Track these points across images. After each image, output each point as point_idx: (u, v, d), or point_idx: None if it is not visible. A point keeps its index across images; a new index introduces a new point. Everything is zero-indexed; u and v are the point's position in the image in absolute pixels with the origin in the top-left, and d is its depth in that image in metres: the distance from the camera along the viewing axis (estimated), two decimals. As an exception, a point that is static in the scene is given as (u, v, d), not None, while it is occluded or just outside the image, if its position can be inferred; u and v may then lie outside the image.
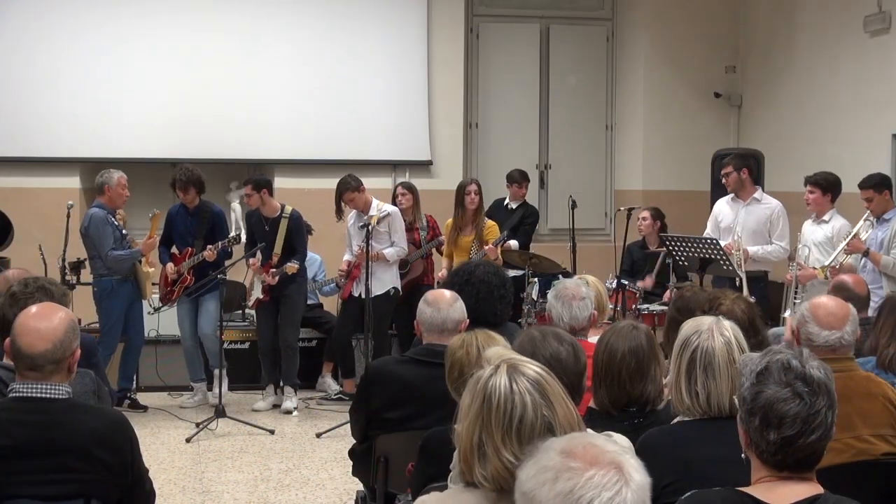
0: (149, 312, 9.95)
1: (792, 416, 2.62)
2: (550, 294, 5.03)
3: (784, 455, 2.63)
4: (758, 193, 9.37)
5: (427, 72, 12.48)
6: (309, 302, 10.54)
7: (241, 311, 10.82)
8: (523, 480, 2.01)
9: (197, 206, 9.81)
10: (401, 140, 12.40)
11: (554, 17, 13.17)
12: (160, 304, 9.85)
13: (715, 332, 3.51)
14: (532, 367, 2.66)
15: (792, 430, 2.62)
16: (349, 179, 9.68)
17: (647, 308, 9.49)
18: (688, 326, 3.58)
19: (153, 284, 9.91)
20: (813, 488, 2.66)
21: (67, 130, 11.77)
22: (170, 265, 9.83)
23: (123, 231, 9.62)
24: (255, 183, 9.70)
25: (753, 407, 2.66)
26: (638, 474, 1.93)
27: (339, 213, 9.63)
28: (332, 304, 11.03)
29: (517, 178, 11.03)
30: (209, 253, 9.57)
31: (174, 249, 9.97)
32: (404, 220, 10.11)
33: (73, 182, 11.55)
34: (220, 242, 9.51)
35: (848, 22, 10.82)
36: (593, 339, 4.60)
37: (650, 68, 12.90)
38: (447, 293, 4.85)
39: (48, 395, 3.51)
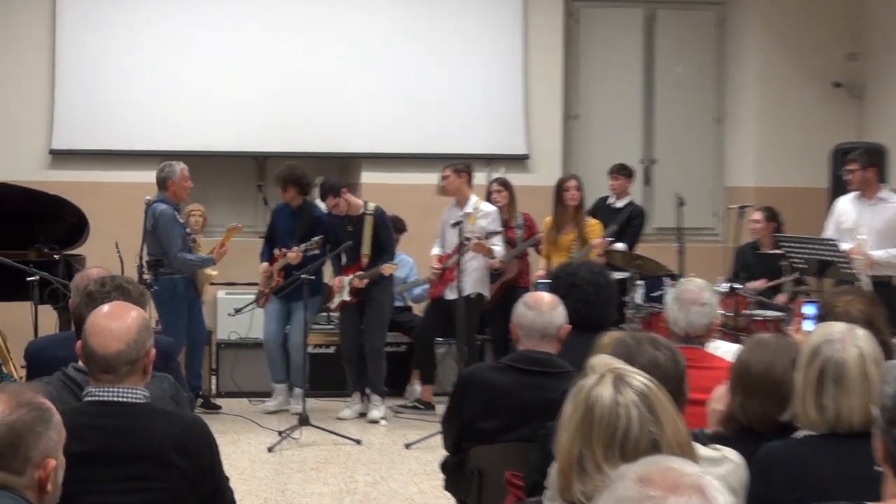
0: (229, 314, 10.16)
1: None
2: (669, 295, 4.94)
3: None
4: (884, 192, 9.17)
5: (523, 59, 12.50)
6: (397, 304, 10.61)
7: (325, 314, 10.86)
8: None
9: (300, 206, 9.94)
10: (495, 133, 12.44)
11: (660, 1, 13.15)
12: (244, 306, 9.99)
13: (847, 341, 3.44)
14: (640, 379, 2.65)
15: None
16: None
17: (761, 314, 9.34)
18: (817, 334, 3.52)
19: (212, 284, 10.12)
20: None
21: (145, 123, 11.92)
22: (264, 265, 9.97)
23: (188, 230, 9.78)
24: (332, 190, 9.72)
25: (895, 416, 2.56)
26: (722, 496, 1.89)
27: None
28: (422, 309, 11.03)
29: (619, 171, 10.96)
30: (294, 255, 9.65)
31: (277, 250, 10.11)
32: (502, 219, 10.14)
33: (150, 176, 10.86)
34: (303, 245, 9.57)
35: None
36: (713, 348, 4.53)
37: (763, 56, 12.78)
38: (547, 296, 4.82)
39: (125, 399, 3.53)
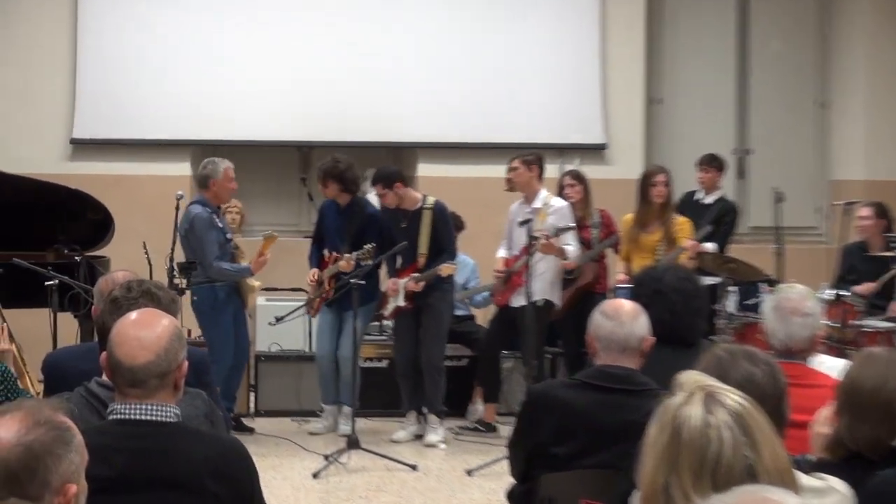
0: (269, 323, 10.12)
1: None
2: (767, 303, 4.91)
3: None
4: None
5: (600, 37, 12.53)
6: (457, 313, 10.56)
7: (377, 323, 10.84)
8: None
9: (348, 204, 9.91)
10: (568, 120, 12.44)
11: (755, -28, 13.16)
12: (287, 314, 9.98)
13: None
14: (733, 397, 2.63)
15: None
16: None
17: (871, 325, 9.26)
18: None
19: (265, 290, 10.18)
20: None
21: (175, 111, 12.02)
22: (313, 271, 9.96)
23: (228, 235, 9.78)
24: (384, 179, 9.74)
25: None
26: None
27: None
28: (486, 317, 10.94)
29: (708, 162, 10.91)
30: (345, 264, 9.62)
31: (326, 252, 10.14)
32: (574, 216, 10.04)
33: (182, 168, 11.80)
34: (355, 254, 9.53)
35: None
36: (816, 363, 4.53)
37: (873, 34, 12.80)
38: (628, 304, 4.79)
39: (154, 418, 3.54)
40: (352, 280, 9.18)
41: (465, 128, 12.31)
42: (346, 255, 9.60)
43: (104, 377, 3.88)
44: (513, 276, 9.93)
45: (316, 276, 9.88)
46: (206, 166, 9.60)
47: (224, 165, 9.57)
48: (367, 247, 9.44)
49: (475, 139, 12.29)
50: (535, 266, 9.43)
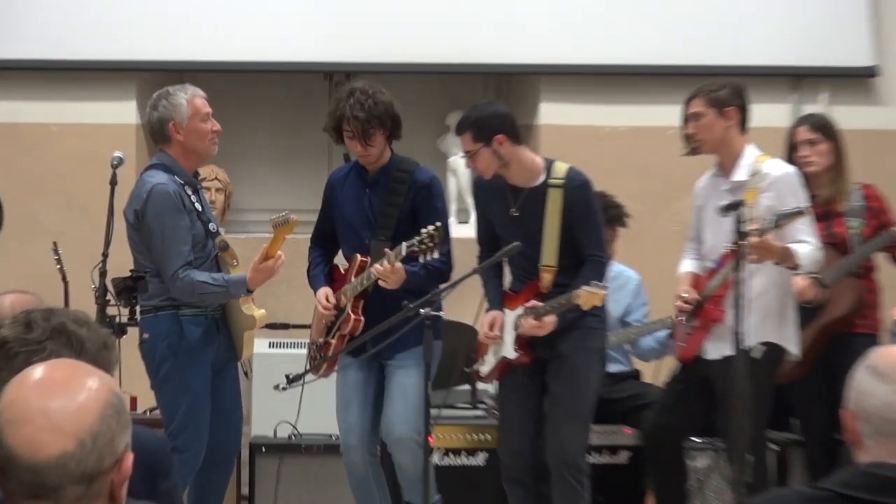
0: (276, 387, 8.95)
1: None
2: None
3: None
4: None
5: None
6: (611, 369, 9.71)
7: (469, 389, 10.05)
8: None
9: (384, 167, 8.98)
10: (809, 31, 11.87)
11: None
12: (301, 374, 8.98)
13: None
14: None
15: None
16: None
17: None
18: None
19: (266, 327, 9.67)
20: None
21: (119, 14, 11.67)
22: (324, 293, 9.05)
23: (212, 225, 8.93)
24: (479, 125, 8.80)
25: None
26: None
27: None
28: (661, 376, 10.11)
29: None
30: (384, 269, 8.59)
31: (338, 258, 9.39)
32: (812, 195, 9.18)
33: (125, 112, 11.51)
34: (404, 245, 8.54)
35: None
36: None
37: None
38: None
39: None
40: (413, 306, 8.15)
41: (618, 42, 11.72)
42: (389, 251, 8.71)
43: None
44: (706, 306, 9.02)
45: (330, 301, 9.03)
46: (157, 103, 8.79)
47: (187, 95, 8.79)
48: (430, 229, 8.51)
49: (637, 60, 11.71)
50: (745, 286, 8.44)
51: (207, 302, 8.79)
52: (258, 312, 8.95)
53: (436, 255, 8.60)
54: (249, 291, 8.80)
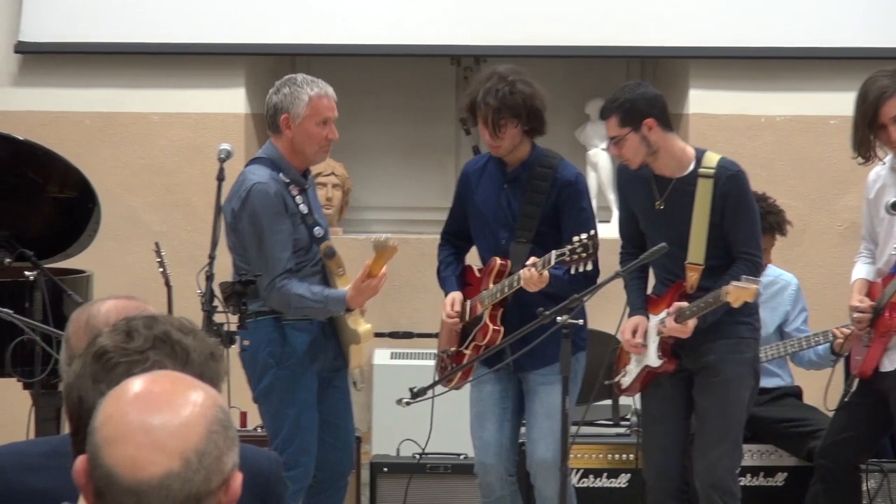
0: (399, 402, 8.83)
1: None
2: None
3: None
4: None
5: None
6: (766, 383, 9.43)
7: (610, 404, 9.83)
8: None
9: (524, 161, 8.77)
10: None
11: None
12: (427, 387, 8.76)
13: None
14: None
15: None
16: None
17: None
18: None
19: (388, 335, 10.10)
20: None
21: (228, 2, 11.60)
22: (451, 299, 8.87)
23: (318, 230, 8.72)
24: (626, 108, 8.53)
25: None
26: None
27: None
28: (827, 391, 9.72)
29: None
30: (531, 273, 8.27)
31: (471, 260, 9.31)
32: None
33: (233, 100, 11.39)
34: (554, 253, 8.25)
35: None
36: None
37: None
38: None
39: None
40: (557, 316, 7.94)
41: (775, 23, 11.41)
42: (535, 259, 8.35)
43: (81, 501, 3.45)
44: (883, 315, 8.81)
45: (457, 308, 8.86)
46: (281, 87, 8.62)
47: (312, 91, 8.52)
48: (583, 238, 8.24)
49: (797, 42, 11.38)
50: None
51: (303, 315, 8.67)
52: (363, 328, 8.81)
53: (589, 266, 8.31)
54: (350, 310, 8.67)
